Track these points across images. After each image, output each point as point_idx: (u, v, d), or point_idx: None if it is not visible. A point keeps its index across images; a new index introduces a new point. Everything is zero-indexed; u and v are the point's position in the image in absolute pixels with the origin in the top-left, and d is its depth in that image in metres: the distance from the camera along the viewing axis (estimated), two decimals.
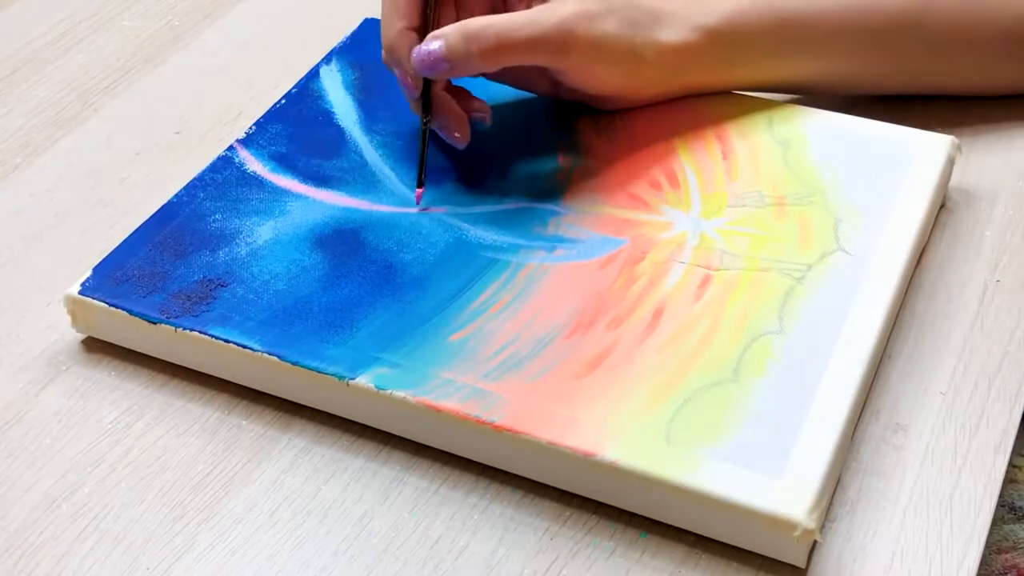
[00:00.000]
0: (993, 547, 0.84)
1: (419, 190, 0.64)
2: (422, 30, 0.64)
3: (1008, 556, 0.87)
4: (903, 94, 0.71)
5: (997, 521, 0.84)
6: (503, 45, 0.62)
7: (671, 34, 0.66)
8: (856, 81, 0.70)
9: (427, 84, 0.64)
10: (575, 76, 0.66)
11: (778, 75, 0.69)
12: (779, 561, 0.51)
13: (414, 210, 0.64)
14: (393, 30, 0.64)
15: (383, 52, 0.65)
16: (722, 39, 0.67)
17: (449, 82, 0.67)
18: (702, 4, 0.67)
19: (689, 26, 0.66)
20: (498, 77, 0.69)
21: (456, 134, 0.65)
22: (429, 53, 0.62)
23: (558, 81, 0.67)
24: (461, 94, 0.67)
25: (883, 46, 0.68)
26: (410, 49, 0.63)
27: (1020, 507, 1.14)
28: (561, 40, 0.63)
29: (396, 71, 0.64)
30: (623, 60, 0.65)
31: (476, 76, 0.67)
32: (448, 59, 0.62)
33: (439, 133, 0.65)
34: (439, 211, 0.64)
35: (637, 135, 0.68)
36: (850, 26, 0.68)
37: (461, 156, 0.67)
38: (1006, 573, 0.87)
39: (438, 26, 0.64)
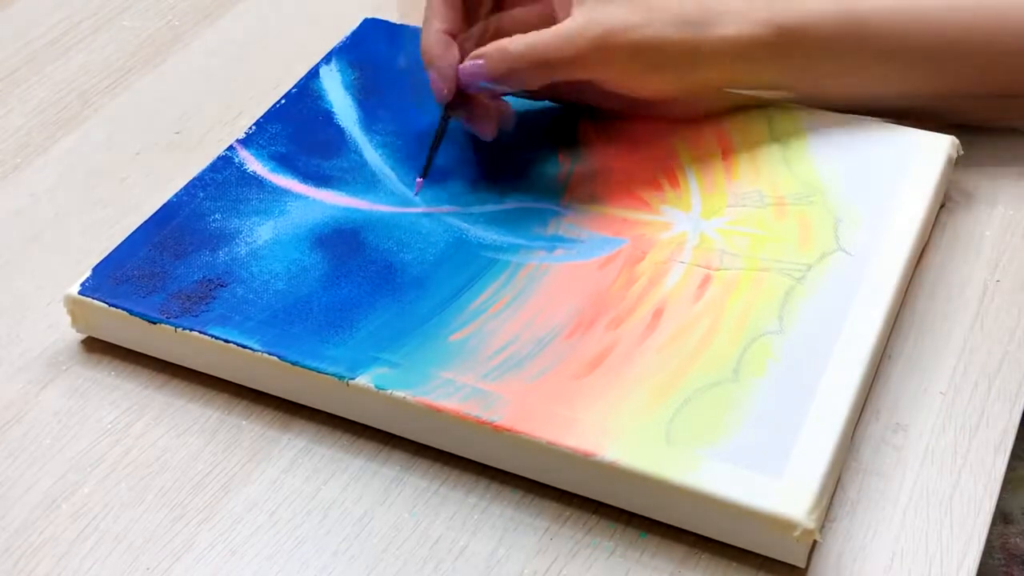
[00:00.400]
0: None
1: (420, 180, 0.64)
2: (458, 33, 0.65)
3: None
4: (994, 125, 0.68)
5: None
6: (542, 66, 0.62)
7: (729, 28, 0.64)
8: (938, 103, 0.67)
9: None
10: (624, 84, 0.65)
11: (850, 86, 0.67)
12: (779, 561, 0.51)
13: (414, 210, 0.64)
14: (430, 32, 0.64)
15: (421, 53, 0.65)
16: (791, 37, 0.65)
17: None
18: (763, 3, 0.65)
19: (753, 20, 0.64)
20: (546, 94, 0.69)
21: (484, 126, 0.65)
22: (472, 73, 0.63)
23: (611, 92, 0.66)
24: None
25: (969, 67, 0.66)
26: (443, 52, 0.63)
27: (1007, 511, 1.14)
28: (600, 54, 0.62)
29: (429, 73, 0.64)
30: (675, 63, 0.64)
31: (532, 95, 0.68)
32: (492, 78, 0.62)
33: (466, 124, 0.65)
34: (439, 211, 0.64)
35: (637, 135, 0.68)
36: (933, 42, 0.65)
37: (462, 156, 0.67)
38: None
39: (484, 25, 0.66)
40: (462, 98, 0.64)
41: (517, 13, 0.67)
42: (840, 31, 0.65)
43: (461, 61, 0.64)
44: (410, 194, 0.65)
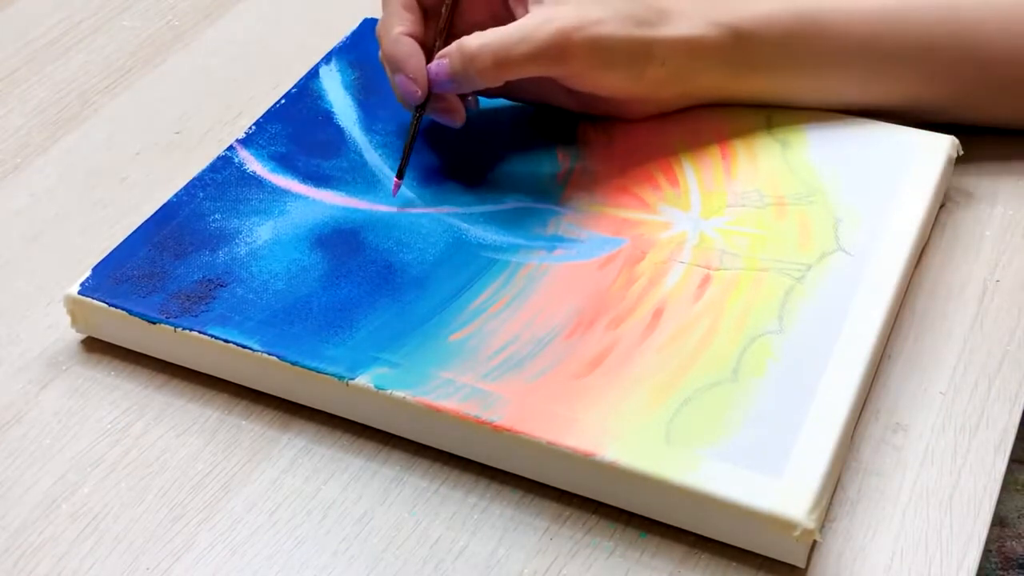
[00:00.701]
0: None
1: (397, 181, 0.64)
2: (419, 35, 0.64)
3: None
4: (955, 123, 0.68)
5: None
6: (500, 63, 0.62)
7: (682, 28, 0.65)
8: (897, 105, 0.67)
9: None
10: (581, 82, 0.65)
11: (807, 88, 0.67)
12: (779, 561, 0.51)
13: (414, 210, 0.64)
14: (391, 36, 0.64)
15: (381, 57, 0.65)
16: (744, 39, 0.65)
17: None
18: (721, 5, 0.66)
19: (706, 21, 0.65)
20: (519, 96, 0.69)
21: (453, 116, 0.65)
22: (436, 73, 0.63)
23: (577, 92, 0.66)
24: None
25: (929, 70, 0.66)
26: (409, 54, 0.63)
27: (1003, 514, 1.14)
28: (558, 50, 0.62)
29: (395, 77, 0.64)
30: (630, 61, 0.64)
31: (492, 94, 0.67)
32: (452, 79, 0.62)
33: (434, 117, 0.65)
34: (439, 211, 0.64)
35: (637, 135, 0.68)
36: (891, 44, 0.65)
37: (461, 156, 0.67)
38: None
39: (449, 24, 0.65)
40: (430, 95, 0.64)
41: (472, 14, 0.67)
42: (795, 33, 0.65)
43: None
44: (410, 194, 0.65)
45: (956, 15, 0.65)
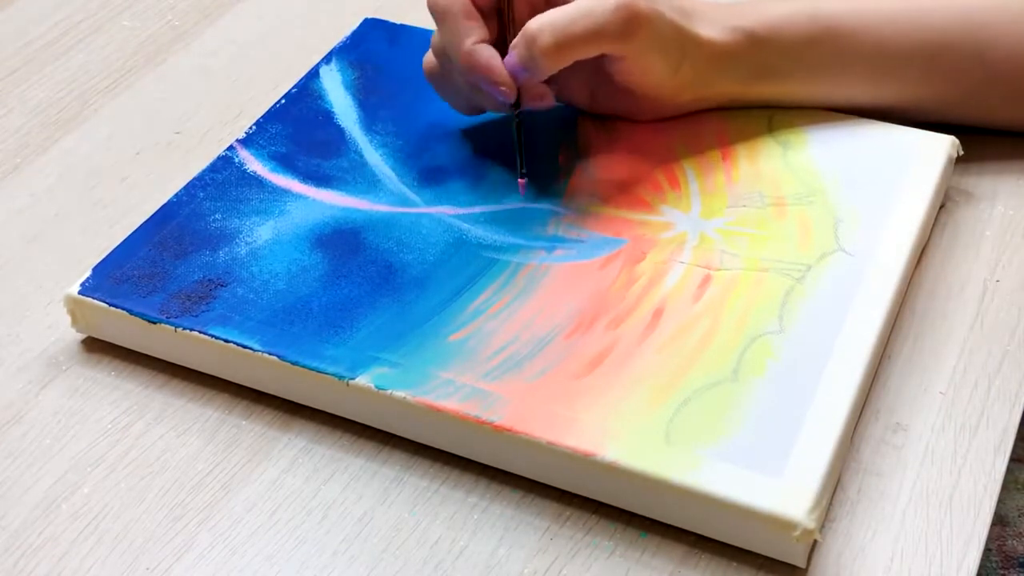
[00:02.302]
0: None
1: (522, 180, 0.64)
2: (488, 39, 0.63)
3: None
4: (961, 124, 0.68)
5: None
6: (562, 42, 0.61)
7: (705, 30, 0.65)
8: (906, 106, 0.68)
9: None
10: (631, 65, 0.64)
11: (818, 92, 0.67)
12: (779, 561, 0.51)
13: (414, 210, 0.64)
14: (465, 47, 0.62)
15: (429, 71, 0.65)
16: (761, 45, 0.65)
17: None
18: (737, 8, 0.66)
19: (724, 26, 0.65)
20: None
21: (544, 101, 0.64)
22: (511, 65, 0.62)
23: (597, 87, 0.66)
24: None
25: (938, 71, 0.66)
26: (490, 60, 0.62)
27: (1003, 513, 1.14)
28: (623, 24, 0.61)
29: (483, 85, 0.62)
30: (674, 49, 0.64)
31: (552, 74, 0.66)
32: (524, 66, 0.62)
33: (528, 108, 0.64)
34: (439, 211, 0.64)
35: (637, 135, 0.68)
36: (902, 46, 0.66)
37: (462, 156, 0.67)
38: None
39: (512, 18, 0.65)
40: (519, 91, 0.63)
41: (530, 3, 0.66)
42: (809, 36, 0.66)
43: None
44: (410, 194, 0.65)
45: (966, 17, 0.66)
